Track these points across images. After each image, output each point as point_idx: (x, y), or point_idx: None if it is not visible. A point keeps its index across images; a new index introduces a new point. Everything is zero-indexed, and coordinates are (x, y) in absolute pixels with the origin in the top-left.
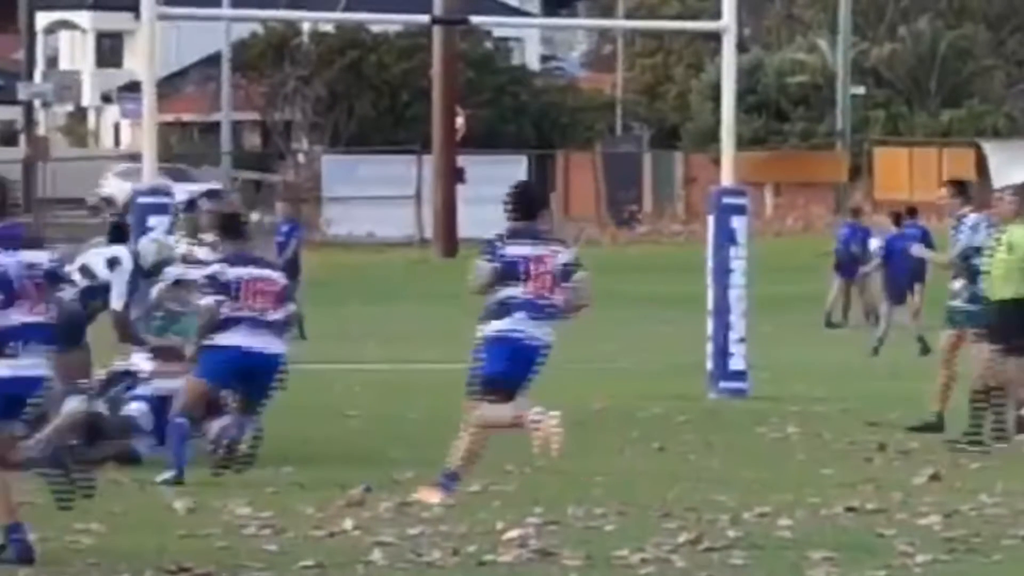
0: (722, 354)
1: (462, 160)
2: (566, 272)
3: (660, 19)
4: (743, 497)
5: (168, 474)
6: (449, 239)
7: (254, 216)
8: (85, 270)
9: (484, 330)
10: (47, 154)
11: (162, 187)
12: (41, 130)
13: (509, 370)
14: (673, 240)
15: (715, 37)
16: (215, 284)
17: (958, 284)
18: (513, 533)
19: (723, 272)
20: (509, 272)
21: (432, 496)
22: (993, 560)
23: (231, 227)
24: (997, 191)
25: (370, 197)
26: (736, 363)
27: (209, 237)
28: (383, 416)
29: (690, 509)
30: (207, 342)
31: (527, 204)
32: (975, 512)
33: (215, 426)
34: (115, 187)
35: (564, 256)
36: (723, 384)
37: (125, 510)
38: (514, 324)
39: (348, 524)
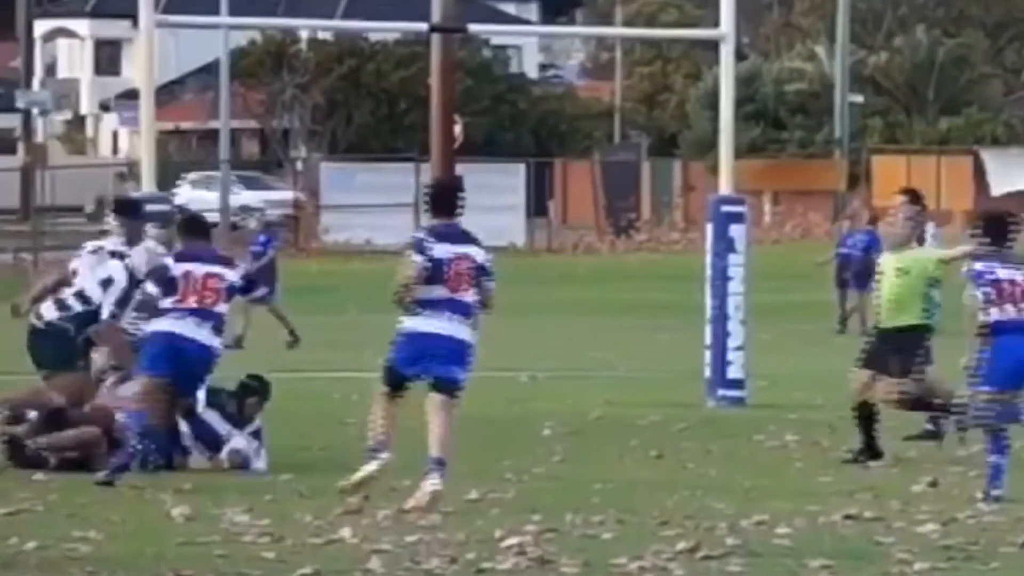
0: (720, 362)
1: (460, 168)
2: (481, 274)
3: (658, 27)
4: (741, 505)
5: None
6: None
7: (252, 224)
8: (81, 296)
9: (403, 324)
10: (45, 162)
11: (161, 195)
12: (39, 138)
13: (428, 368)
14: (671, 248)
15: (713, 45)
16: (161, 279)
17: None
18: (511, 541)
19: (721, 280)
20: (435, 272)
21: (427, 487)
22: (991, 568)
23: (191, 227)
24: (890, 213)
25: (368, 205)
26: (734, 371)
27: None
28: None
29: (688, 517)
30: (145, 331)
31: (448, 201)
32: (973, 520)
33: (226, 451)
34: (188, 195)
35: (481, 257)
36: (721, 392)
37: (123, 518)
38: (437, 323)
39: (346, 532)
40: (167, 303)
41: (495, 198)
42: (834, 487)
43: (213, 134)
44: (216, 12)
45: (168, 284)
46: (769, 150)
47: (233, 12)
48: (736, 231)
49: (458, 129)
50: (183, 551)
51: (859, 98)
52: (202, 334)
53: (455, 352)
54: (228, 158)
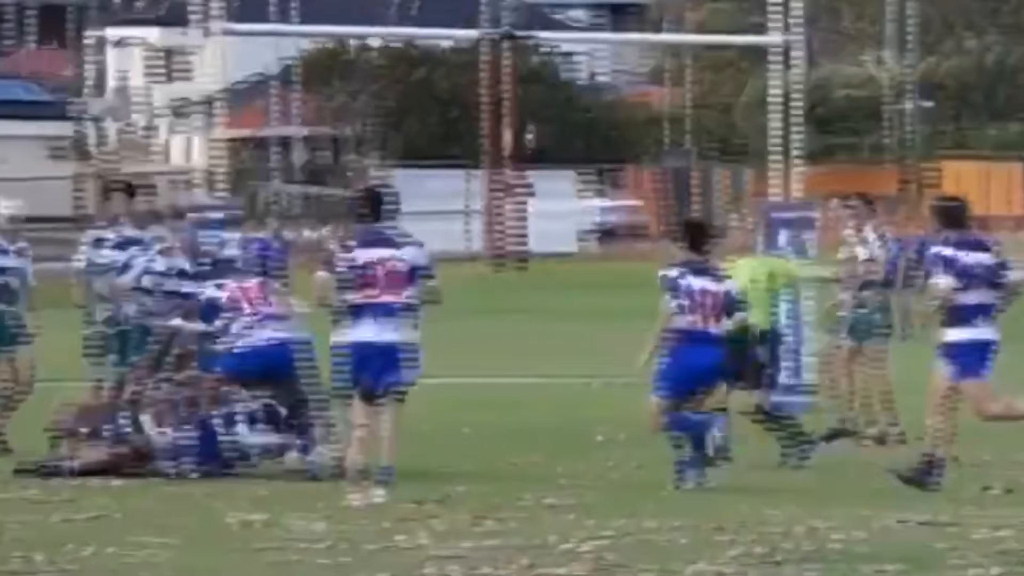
0: (794, 368)
1: (527, 175)
2: (416, 274)
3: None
4: (796, 510)
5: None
6: (506, 254)
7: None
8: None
9: (338, 336)
10: (115, 170)
11: (233, 203)
12: (107, 146)
13: (368, 376)
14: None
15: (764, 53)
16: (211, 311)
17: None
18: (565, 546)
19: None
20: (360, 278)
21: (362, 498)
22: None
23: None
24: (733, 221)
25: (421, 212)
26: (801, 377)
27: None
28: (439, 430)
29: (761, 523)
30: (223, 347)
31: (376, 206)
32: None
33: (295, 455)
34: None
35: (418, 258)
36: (787, 398)
37: (186, 524)
38: (366, 330)
39: (401, 539)
40: (239, 324)
41: (558, 205)
42: (889, 492)
43: (271, 141)
44: (264, 19)
45: (216, 311)
46: (838, 156)
47: (287, 20)
48: (807, 237)
49: (529, 136)
50: (236, 558)
51: (921, 104)
52: (288, 330)
53: (389, 358)
54: (291, 164)
